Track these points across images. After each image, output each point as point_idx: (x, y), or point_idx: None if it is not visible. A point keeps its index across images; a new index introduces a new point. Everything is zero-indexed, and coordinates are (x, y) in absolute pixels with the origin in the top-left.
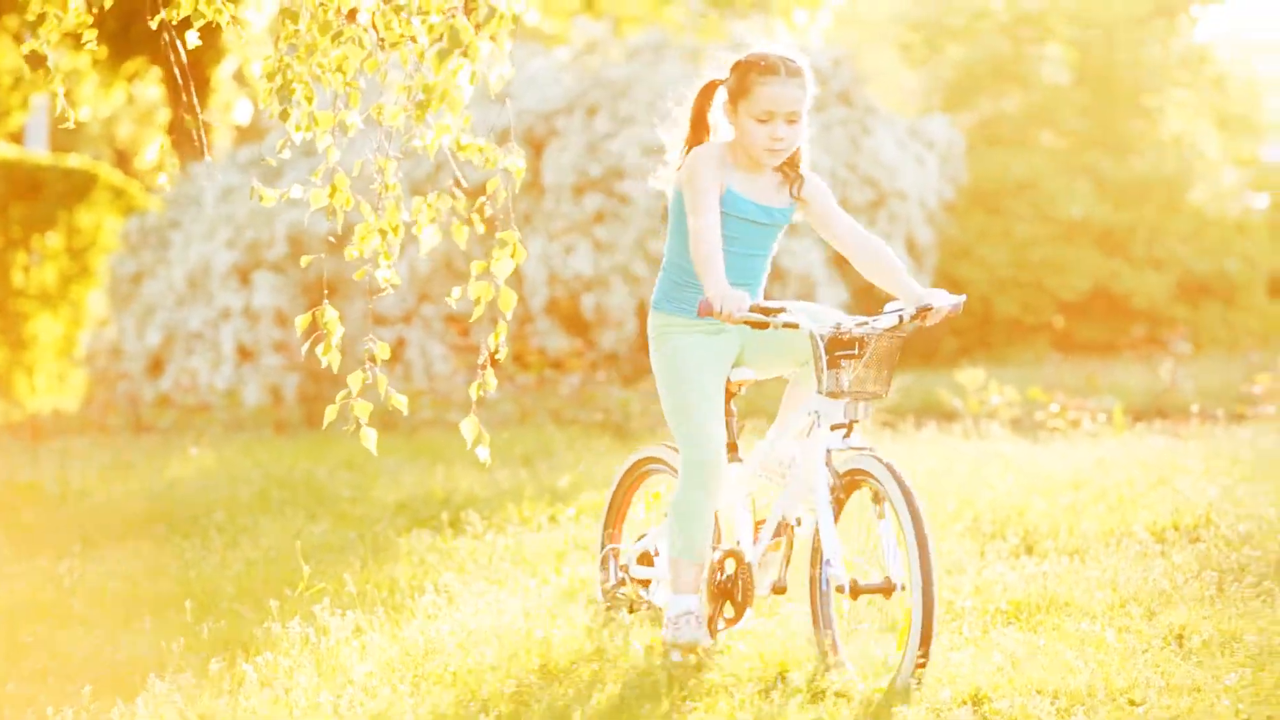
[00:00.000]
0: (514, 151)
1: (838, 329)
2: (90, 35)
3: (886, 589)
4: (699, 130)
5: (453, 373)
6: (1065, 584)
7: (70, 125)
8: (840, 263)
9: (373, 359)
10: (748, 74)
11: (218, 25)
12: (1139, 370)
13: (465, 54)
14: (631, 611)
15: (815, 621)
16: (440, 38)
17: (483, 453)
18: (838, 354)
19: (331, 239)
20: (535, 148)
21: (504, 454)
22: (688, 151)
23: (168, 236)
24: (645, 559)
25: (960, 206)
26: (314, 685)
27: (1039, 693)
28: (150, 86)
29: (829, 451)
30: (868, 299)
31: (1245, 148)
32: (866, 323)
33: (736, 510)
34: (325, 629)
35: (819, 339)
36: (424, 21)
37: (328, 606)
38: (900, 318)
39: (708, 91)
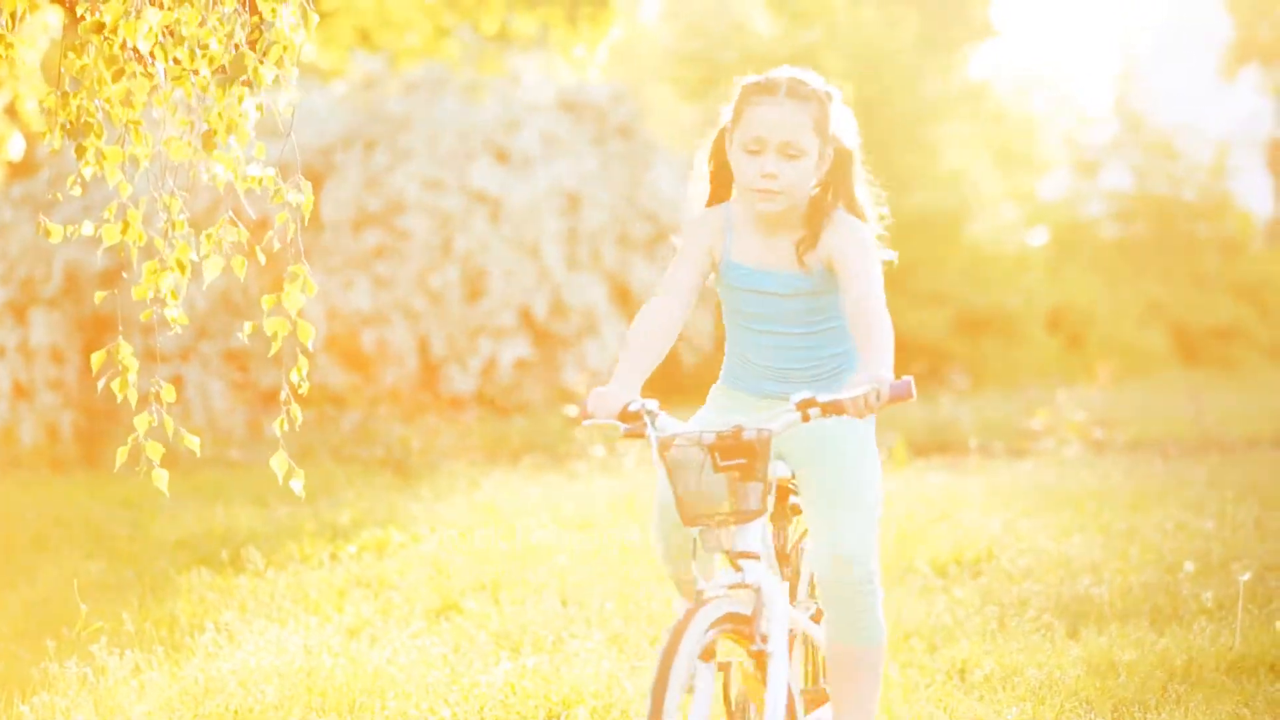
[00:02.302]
0: (301, 185)
1: (719, 435)
2: None
3: None
4: (719, 187)
5: (231, 410)
6: None
7: None
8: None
9: (158, 399)
10: (742, 96)
11: None
12: (919, 405)
13: (248, 83)
14: None
15: None
16: (221, 67)
17: (296, 485)
18: (725, 464)
19: (125, 275)
20: (314, 182)
21: (283, 490)
22: None
23: None
24: None
25: None
26: None
27: None
28: None
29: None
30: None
31: (1023, 183)
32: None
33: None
34: (103, 668)
35: (687, 449)
36: (204, 52)
37: (105, 646)
38: (801, 408)
39: (722, 139)
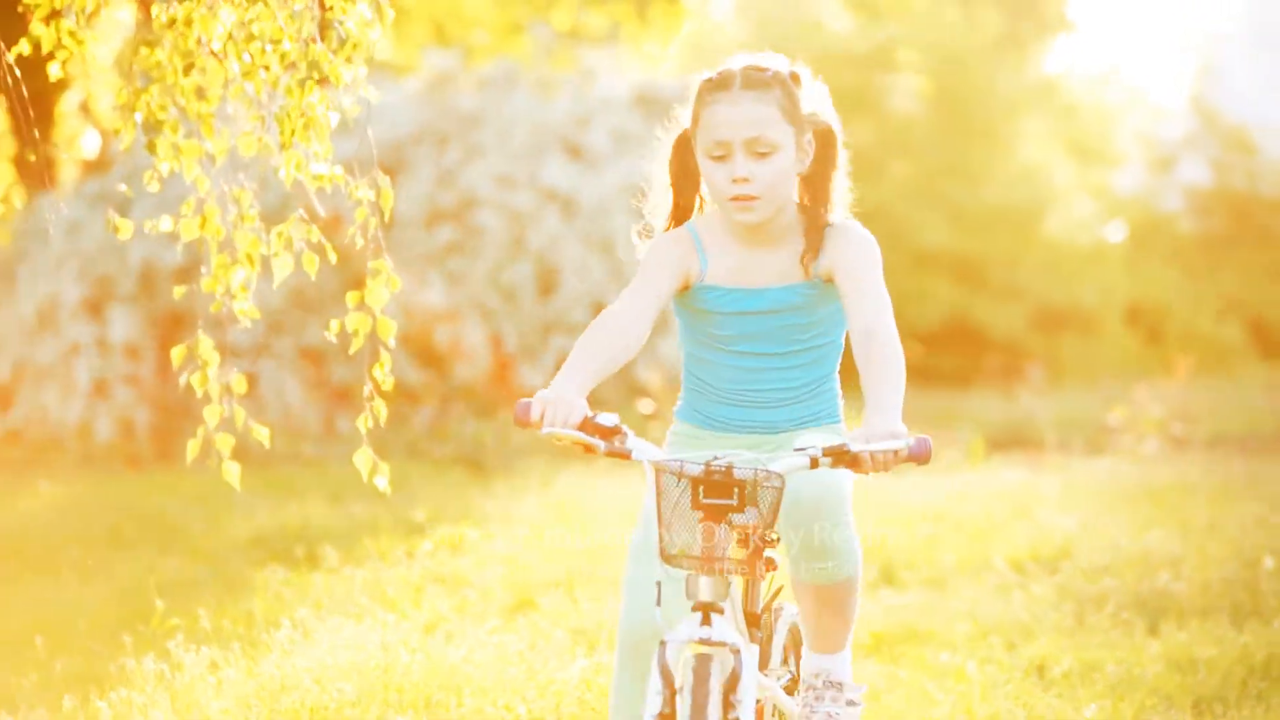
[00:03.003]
0: (379, 180)
1: (707, 467)
2: None
3: None
4: (683, 198)
5: (305, 406)
6: (925, 616)
7: None
8: None
9: (230, 391)
10: (697, 97)
11: (67, 56)
12: (996, 401)
13: (322, 80)
14: None
15: None
16: (293, 64)
17: (381, 482)
18: (708, 501)
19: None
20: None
21: (358, 487)
22: (671, 227)
23: (14, 270)
24: None
25: None
26: None
27: None
28: None
29: (664, 647)
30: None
31: (1098, 178)
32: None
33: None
34: (180, 665)
35: (665, 476)
36: (276, 49)
37: (182, 642)
38: (812, 458)
39: (683, 143)
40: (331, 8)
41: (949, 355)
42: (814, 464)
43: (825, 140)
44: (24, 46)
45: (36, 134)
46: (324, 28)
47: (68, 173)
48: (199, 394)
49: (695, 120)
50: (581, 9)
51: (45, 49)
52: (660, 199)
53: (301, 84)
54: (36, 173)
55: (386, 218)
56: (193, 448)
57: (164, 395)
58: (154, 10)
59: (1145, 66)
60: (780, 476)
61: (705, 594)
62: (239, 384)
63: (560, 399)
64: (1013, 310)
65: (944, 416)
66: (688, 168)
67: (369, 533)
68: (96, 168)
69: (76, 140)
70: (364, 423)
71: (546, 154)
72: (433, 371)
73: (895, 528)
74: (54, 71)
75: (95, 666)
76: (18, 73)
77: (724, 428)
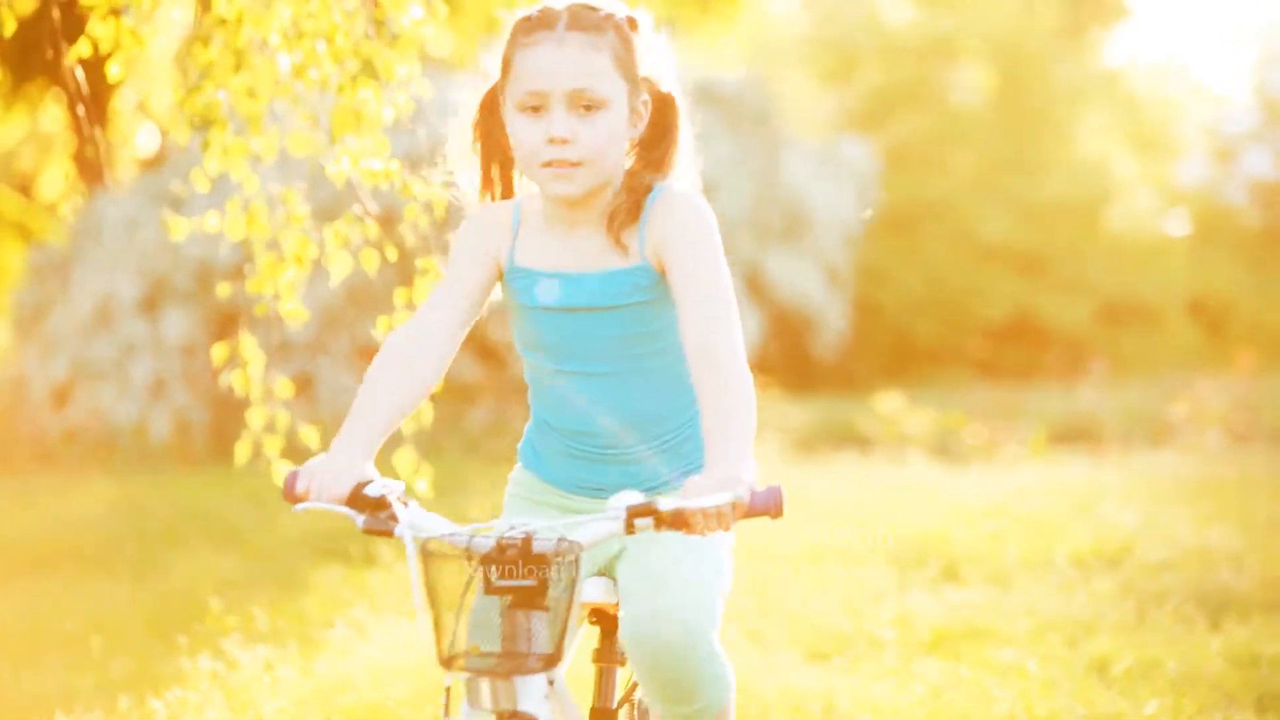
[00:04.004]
0: (435, 181)
1: (500, 543)
2: None
3: None
4: (498, 169)
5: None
6: (987, 613)
7: None
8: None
9: (272, 393)
10: (511, 38)
11: (126, 55)
12: (1058, 395)
13: (378, 77)
14: None
15: None
16: (345, 61)
17: (422, 484)
18: (502, 584)
19: (246, 269)
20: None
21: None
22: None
23: (71, 267)
24: None
25: (873, 230)
26: None
27: None
28: (52, 114)
29: None
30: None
31: (1160, 170)
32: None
33: None
34: (235, 664)
35: (443, 560)
36: (330, 45)
37: (238, 641)
38: (626, 521)
39: (493, 102)
40: (383, 5)
41: (1011, 349)
42: (629, 529)
43: (664, 106)
44: (84, 47)
45: (96, 131)
46: (377, 24)
47: (125, 170)
48: (241, 394)
49: (506, 67)
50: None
51: (104, 49)
52: (468, 178)
53: (354, 80)
54: (94, 170)
55: (439, 215)
56: (241, 450)
57: (220, 394)
58: (214, 5)
59: (1206, 56)
60: (579, 545)
61: (502, 701)
62: (284, 388)
63: (328, 468)
64: (1075, 303)
65: (1006, 410)
66: (494, 131)
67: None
68: (153, 165)
69: (132, 137)
70: (407, 423)
71: None
72: (489, 367)
73: (957, 523)
74: (114, 72)
75: (151, 666)
76: (80, 74)
77: (573, 487)
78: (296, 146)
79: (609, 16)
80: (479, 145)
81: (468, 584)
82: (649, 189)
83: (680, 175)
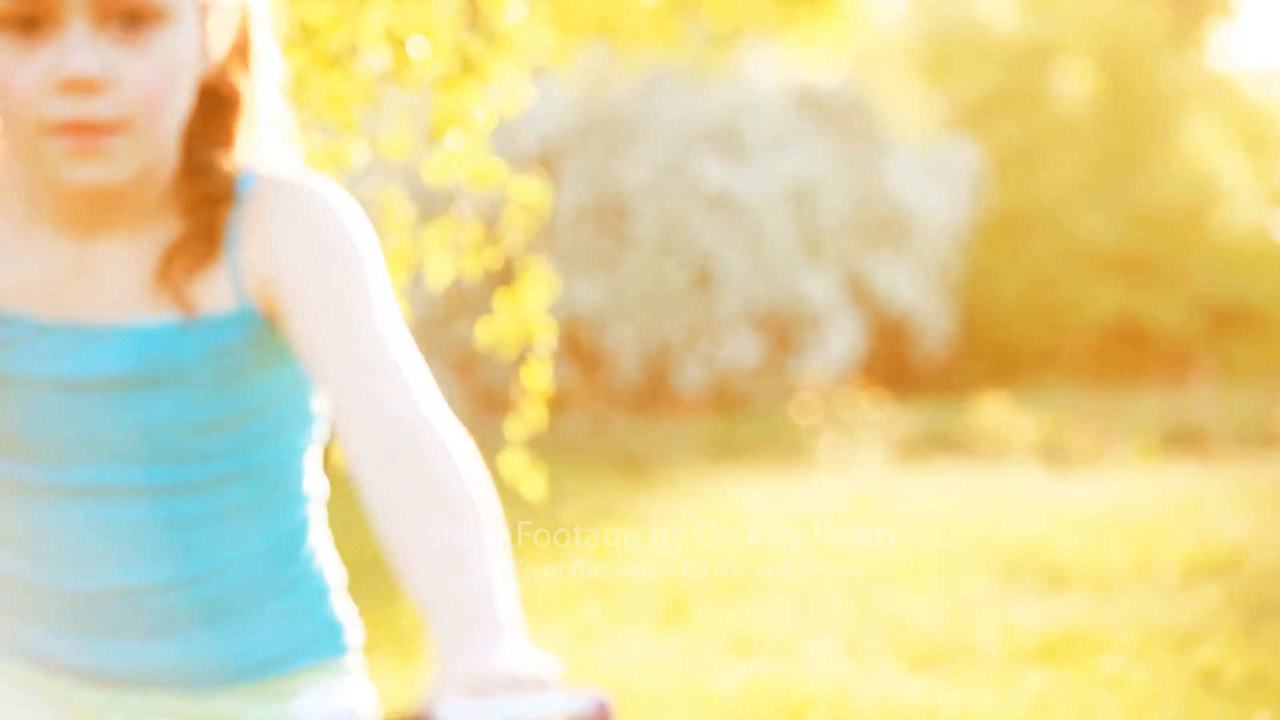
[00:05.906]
0: (533, 179)
1: None
2: None
3: None
4: None
5: (460, 408)
6: (1092, 621)
7: None
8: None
9: None
10: None
11: None
12: (1165, 400)
13: (476, 77)
14: None
15: None
16: (443, 62)
17: (533, 489)
18: None
19: None
20: (541, 175)
21: (508, 491)
22: None
23: None
24: None
25: (976, 233)
26: None
27: None
28: None
29: None
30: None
31: (1267, 173)
32: None
33: None
34: None
35: None
36: (433, 44)
37: None
38: None
39: None
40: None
41: (1116, 353)
42: None
43: (242, 25)
44: None
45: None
46: (476, 25)
47: None
48: None
49: None
50: (741, 7)
51: None
52: None
53: (452, 81)
54: None
55: (541, 217)
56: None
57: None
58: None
59: None
60: None
61: None
62: None
63: None
64: (1180, 307)
65: (1111, 415)
66: None
67: (519, 536)
68: None
69: None
70: (515, 427)
71: (702, 152)
72: (586, 373)
73: (1062, 530)
74: None
75: None
76: None
77: (78, 674)
78: (391, 152)
79: None
80: None
81: None
82: (231, 177)
83: (274, 151)
